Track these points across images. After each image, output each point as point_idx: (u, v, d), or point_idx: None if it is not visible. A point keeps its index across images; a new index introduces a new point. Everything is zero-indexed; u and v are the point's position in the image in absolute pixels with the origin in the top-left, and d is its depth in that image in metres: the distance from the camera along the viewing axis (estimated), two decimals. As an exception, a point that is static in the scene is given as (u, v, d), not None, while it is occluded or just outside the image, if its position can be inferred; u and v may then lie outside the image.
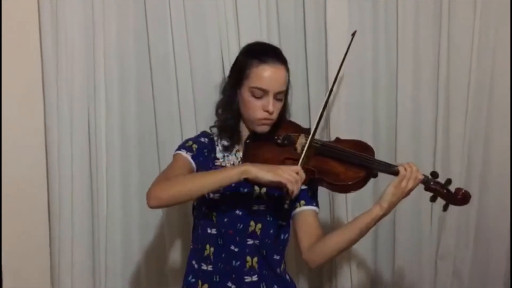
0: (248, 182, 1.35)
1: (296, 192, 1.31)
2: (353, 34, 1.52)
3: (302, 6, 1.95)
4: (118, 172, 1.93)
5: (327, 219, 2.01)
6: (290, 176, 1.30)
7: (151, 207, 1.38)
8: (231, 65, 1.61)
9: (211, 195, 1.50)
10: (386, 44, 2.00)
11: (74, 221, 1.89)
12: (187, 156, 1.51)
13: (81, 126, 1.88)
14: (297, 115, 1.88)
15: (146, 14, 1.88)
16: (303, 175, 1.34)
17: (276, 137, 1.53)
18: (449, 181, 1.45)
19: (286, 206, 1.53)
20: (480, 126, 2.03)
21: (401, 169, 1.40)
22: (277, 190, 1.42)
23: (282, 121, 1.58)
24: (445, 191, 1.44)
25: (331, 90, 1.61)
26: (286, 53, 1.95)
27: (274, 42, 1.94)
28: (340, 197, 1.95)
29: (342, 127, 1.92)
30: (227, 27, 1.90)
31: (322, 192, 1.62)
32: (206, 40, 1.91)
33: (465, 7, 1.96)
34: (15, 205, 1.87)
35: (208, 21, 1.90)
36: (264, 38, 1.90)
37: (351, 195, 1.92)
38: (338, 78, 1.66)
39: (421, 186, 1.46)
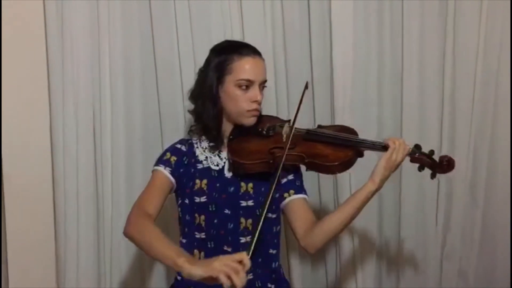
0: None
1: (239, 284, 1.10)
2: (306, 86, 1.58)
3: (307, 6, 1.96)
4: (123, 170, 1.94)
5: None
6: (226, 267, 1.12)
7: (124, 234, 1.42)
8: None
9: (198, 199, 1.51)
10: (391, 43, 2.00)
11: (79, 220, 1.89)
12: (166, 172, 1.53)
13: (86, 125, 1.88)
14: (301, 114, 1.88)
15: (151, 15, 1.88)
16: (248, 263, 1.15)
17: (260, 129, 1.57)
18: (432, 152, 1.53)
19: None
20: (486, 125, 2.02)
21: (390, 143, 1.47)
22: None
23: (261, 114, 1.61)
24: (430, 160, 1.52)
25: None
26: (291, 53, 1.98)
27: (279, 42, 1.96)
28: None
29: (346, 124, 1.92)
30: (232, 27, 1.91)
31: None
32: (211, 40, 1.90)
33: (471, 6, 1.96)
34: (20, 204, 1.87)
35: (213, 21, 1.91)
36: (269, 38, 1.92)
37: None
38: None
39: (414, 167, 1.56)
